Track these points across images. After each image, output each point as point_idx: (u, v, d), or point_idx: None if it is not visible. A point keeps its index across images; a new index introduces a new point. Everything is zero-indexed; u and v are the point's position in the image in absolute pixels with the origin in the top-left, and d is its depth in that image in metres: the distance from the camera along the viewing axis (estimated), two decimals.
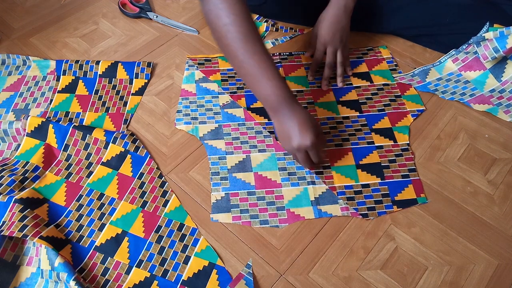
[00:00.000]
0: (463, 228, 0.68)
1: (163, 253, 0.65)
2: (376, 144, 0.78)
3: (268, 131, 0.80)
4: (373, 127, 0.80)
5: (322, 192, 0.72)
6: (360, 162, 0.75)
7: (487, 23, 0.84)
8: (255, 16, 1.00)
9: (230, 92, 0.86)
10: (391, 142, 0.78)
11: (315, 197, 0.71)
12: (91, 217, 0.69)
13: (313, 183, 0.73)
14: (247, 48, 0.66)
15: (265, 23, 0.99)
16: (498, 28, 0.82)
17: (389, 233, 0.67)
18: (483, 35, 0.82)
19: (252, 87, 0.69)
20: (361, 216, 0.69)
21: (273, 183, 0.73)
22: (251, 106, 0.84)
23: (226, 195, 0.72)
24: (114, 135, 0.76)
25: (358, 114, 0.83)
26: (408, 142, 0.78)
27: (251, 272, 0.63)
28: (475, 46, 0.84)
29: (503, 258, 0.65)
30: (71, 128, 0.76)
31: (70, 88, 0.87)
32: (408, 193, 0.71)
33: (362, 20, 0.95)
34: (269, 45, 0.96)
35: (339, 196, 0.71)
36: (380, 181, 0.73)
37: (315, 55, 0.86)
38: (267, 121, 0.81)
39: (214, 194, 0.72)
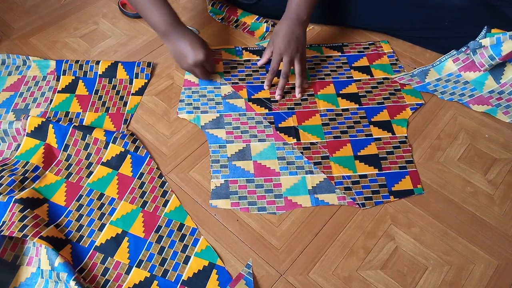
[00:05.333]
0: (463, 228, 0.68)
1: (163, 253, 0.65)
2: (374, 136, 0.79)
3: (268, 122, 0.81)
4: (372, 119, 0.81)
5: (319, 181, 0.73)
6: (358, 153, 0.76)
7: (485, 28, 0.83)
8: (255, 17, 1.00)
9: (232, 83, 0.87)
10: (389, 134, 0.79)
11: (312, 186, 0.72)
12: (91, 217, 0.69)
13: (311, 172, 0.74)
14: None
15: (265, 24, 0.99)
16: (496, 34, 0.82)
17: (389, 233, 0.67)
18: (480, 41, 0.82)
19: (145, 16, 0.81)
20: (358, 205, 0.70)
21: (271, 171, 0.74)
22: (252, 97, 0.85)
23: (226, 182, 0.73)
24: (114, 135, 0.76)
25: (358, 107, 0.83)
26: (406, 134, 0.79)
27: (251, 272, 0.63)
28: (471, 54, 0.84)
29: (503, 258, 0.65)
30: (71, 128, 0.76)
31: (70, 88, 0.87)
32: (405, 184, 0.72)
33: (361, 19, 0.96)
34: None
35: (336, 186, 0.72)
36: (377, 172, 0.74)
37: (271, 65, 0.84)
38: (267, 112, 0.83)
39: (213, 181, 0.73)
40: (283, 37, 0.82)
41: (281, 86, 0.84)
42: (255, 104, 0.84)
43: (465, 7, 0.87)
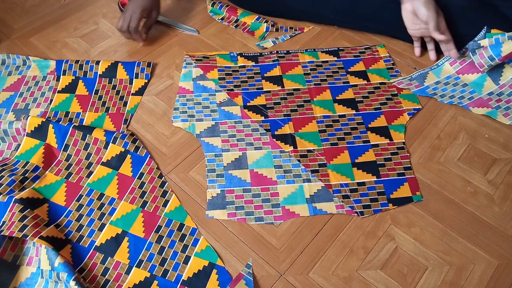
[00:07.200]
0: (463, 228, 0.68)
1: (163, 253, 0.65)
2: (372, 143, 0.78)
3: (264, 129, 0.80)
4: (369, 125, 0.81)
5: (317, 190, 0.72)
6: (356, 161, 0.76)
7: (485, 28, 0.83)
8: (255, 17, 1.00)
9: (227, 90, 0.87)
10: (387, 141, 0.78)
11: (310, 195, 0.71)
12: (91, 217, 0.69)
13: (308, 180, 0.73)
14: None
15: (265, 23, 0.99)
16: (494, 34, 0.81)
17: (389, 233, 0.67)
18: (478, 42, 0.82)
19: None
20: (356, 214, 0.69)
21: (268, 180, 0.73)
22: (248, 104, 0.84)
23: (222, 192, 0.72)
24: (114, 135, 0.76)
25: (354, 113, 0.83)
26: (404, 140, 0.78)
27: (251, 272, 0.63)
28: (470, 54, 0.84)
29: (503, 258, 0.65)
30: (71, 128, 0.76)
31: (70, 88, 0.87)
32: (404, 191, 0.72)
33: (360, 20, 0.96)
34: (269, 44, 0.96)
35: (334, 194, 0.71)
36: (375, 179, 0.73)
37: (422, 33, 0.88)
38: (263, 119, 0.82)
39: (209, 191, 0.72)
40: (427, 5, 0.84)
41: (433, 47, 0.91)
42: (251, 111, 0.83)
43: (465, 6, 0.87)
